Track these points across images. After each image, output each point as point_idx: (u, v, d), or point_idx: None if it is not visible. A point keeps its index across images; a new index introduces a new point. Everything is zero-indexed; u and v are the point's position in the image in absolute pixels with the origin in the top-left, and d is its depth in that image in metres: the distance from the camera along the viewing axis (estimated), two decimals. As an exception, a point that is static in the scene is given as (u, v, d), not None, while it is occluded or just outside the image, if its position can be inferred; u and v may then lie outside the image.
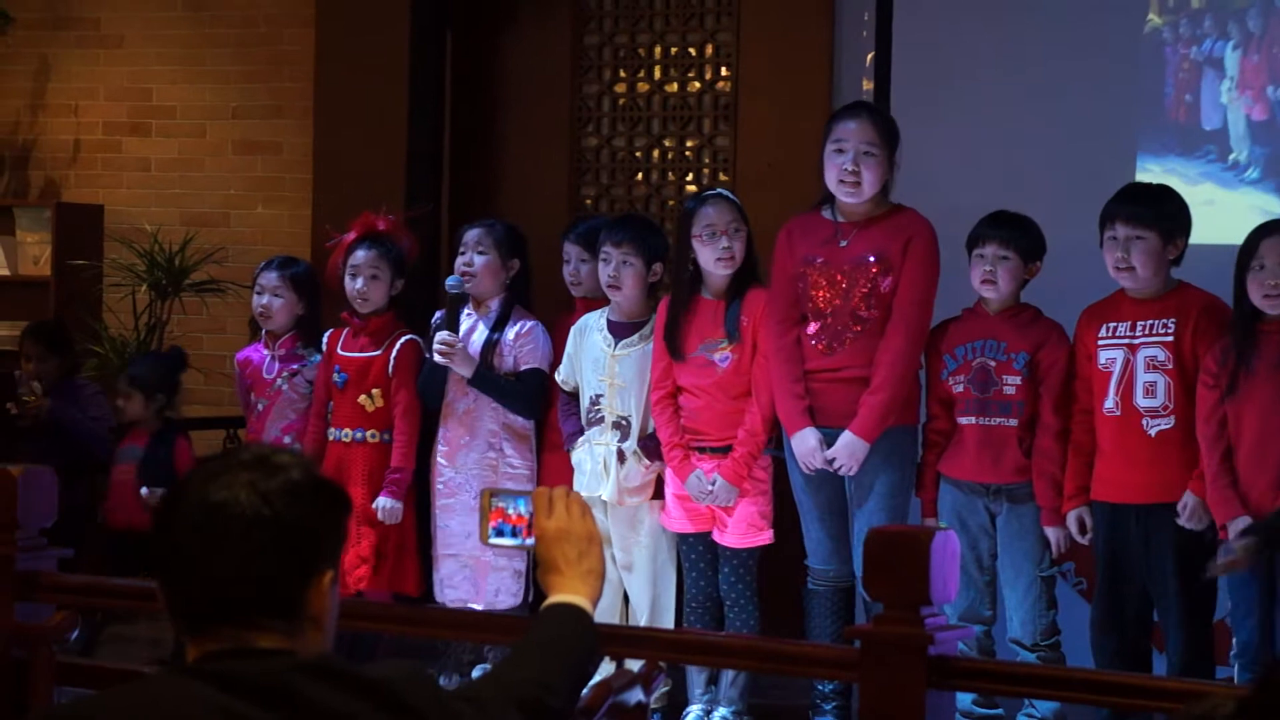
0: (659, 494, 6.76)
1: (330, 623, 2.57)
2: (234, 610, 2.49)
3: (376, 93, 8.83)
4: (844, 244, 6.46)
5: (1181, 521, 6.07)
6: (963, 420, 6.45)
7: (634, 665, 3.73)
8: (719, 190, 6.96)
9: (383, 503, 6.94)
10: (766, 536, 6.63)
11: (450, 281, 6.99)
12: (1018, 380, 6.38)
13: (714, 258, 6.57)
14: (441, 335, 6.85)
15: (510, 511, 3.20)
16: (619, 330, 6.82)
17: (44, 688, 4.46)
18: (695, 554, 6.73)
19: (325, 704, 2.43)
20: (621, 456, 6.72)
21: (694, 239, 6.59)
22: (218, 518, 2.48)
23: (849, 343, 6.42)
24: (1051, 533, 6.35)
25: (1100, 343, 6.26)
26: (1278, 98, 7.55)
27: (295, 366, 7.26)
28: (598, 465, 6.74)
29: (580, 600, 3.00)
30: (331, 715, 2.43)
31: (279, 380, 7.26)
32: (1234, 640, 6.16)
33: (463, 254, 7.05)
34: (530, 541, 3.13)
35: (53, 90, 9.94)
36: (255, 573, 2.48)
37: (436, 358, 6.87)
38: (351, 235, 7.09)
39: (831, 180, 6.43)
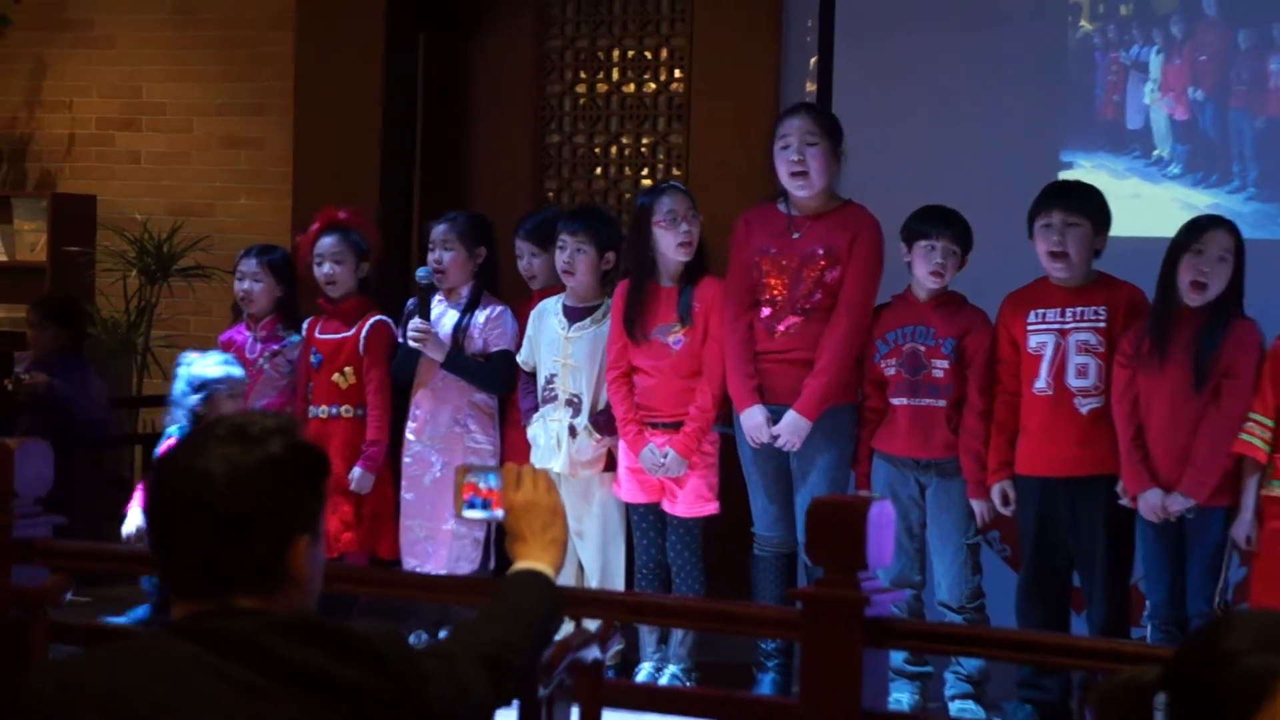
0: (610, 467, 6.76)
1: (311, 582, 2.56)
2: (215, 575, 2.48)
3: (352, 92, 8.82)
4: (796, 236, 6.47)
5: (1123, 502, 6.10)
6: (895, 401, 6.46)
7: (591, 625, 3.73)
8: (674, 183, 6.99)
9: (355, 473, 6.98)
10: (713, 507, 6.64)
11: (420, 273, 7.01)
12: (945, 364, 6.39)
13: (675, 243, 6.57)
14: (415, 323, 6.86)
15: (481, 486, 3.20)
16: (573, 314, 6.82)
17: (41, 646, 4.44)
18: (645, 523, 6.74)
19: (299, 659, 2.43)
20: (573, 431, 6.72)
21: (655, 225, 6.58)
22: (197, 490, 2.48)
23: (796, 328, 6.43)
24: (976, 504, 6.37)
25: (1030, 328, 6.27)
26: (1197, 99, 7.58)
27: (275, 347, 7.28)
28: (551, 440, 6.75)
29: (544, 567, 3.01)
30: (305, 669, 2.42)
31: (260, 360, 7.28)
32: (1147, 603, 6.18)
33: (431, 250, 7.06)
34: (499, 514, 3.12)
35: (48, 88, 9.89)
36: (233, 542, 2.48)
37: (411, 343, 6.87)
38: (315, 227, 7.12)
39: (783, 175, 6.45)
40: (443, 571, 6.83)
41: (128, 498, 8.93)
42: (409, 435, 7.02)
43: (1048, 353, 6.23)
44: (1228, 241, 5.98)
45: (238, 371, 6.84)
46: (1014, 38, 7.79)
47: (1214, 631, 2.58)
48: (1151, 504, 6.00)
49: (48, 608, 4.50)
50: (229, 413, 6.33)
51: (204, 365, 6.70)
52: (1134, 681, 2.61)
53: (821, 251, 6.42)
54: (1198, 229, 6.03)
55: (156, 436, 8.76)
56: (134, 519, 6.52)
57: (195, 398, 6.62)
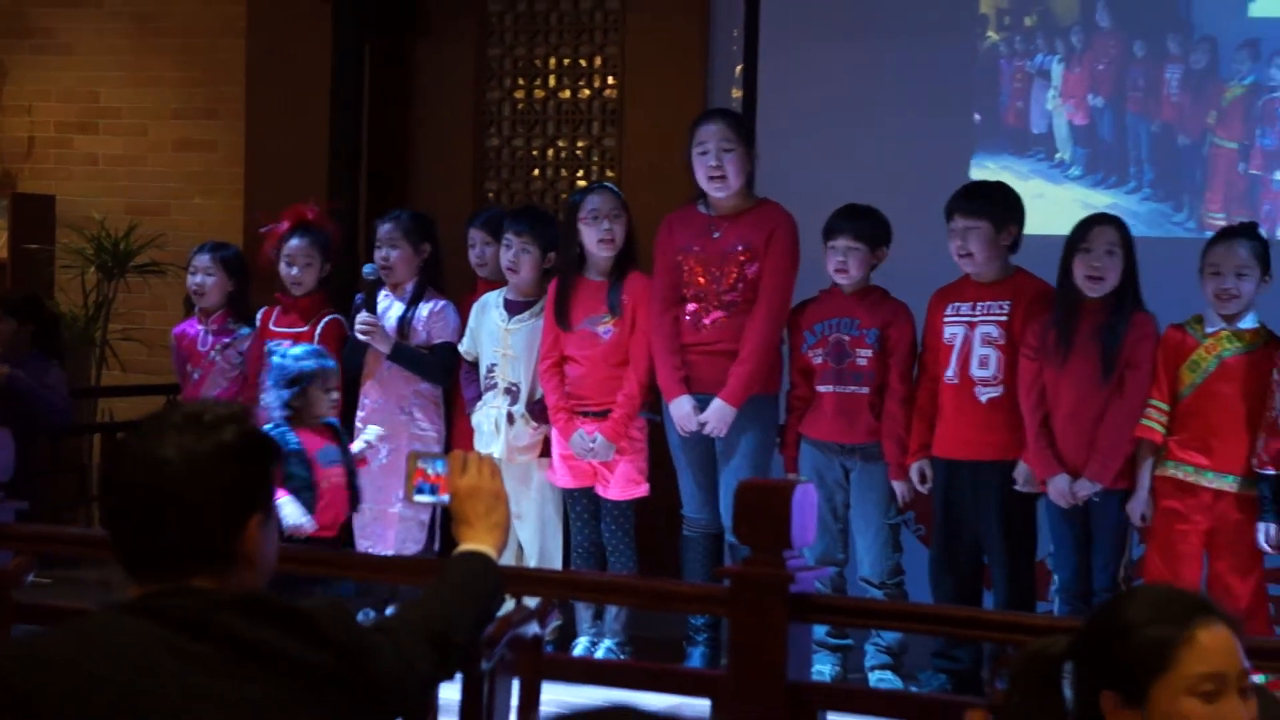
0: (546, 453, 6.75)
1: (263, 561, 2.55)
2: (168, 557, 2.48)
3: (301, 97, 8.79)
4: (716, 235, 6.48)
5: (1019, 487, 6.14)
6: (821, 388, 6.47)
7: (531, 603, 3.72)
8: (604, 183, 7.00)
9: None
10: (643, 490, 6.65)
11: (367, 269, 7.01)
12: (869, 353, 6.41)
13: (596, 239, 6.59)
14: (362, 316, 6.85)
15: (430, 471, 3.19)
16: (513, 308, 6.81)
17: (3, 625, 4.40)
18: (580, 506, 6.74)
19: (249, 634, 2.42)
20: (511, 418, 6.72)
21: (580, 222, 6.61)
22: (151, 476, 2.47)
23: (720, 321, 6.44)
24: (897, 486, 6.40)
25: (946, 320, 6.31)
26: (1096, 105, 7.62)
27: (226, 340, 7.26)
28: (490, 426, 6.75)
29: (487, 549, 3.01)
30: (255, 645, 2.42)
31: (212, 352, 7.25)
32: (1054, 578, 6.22)
33: (378, 248, 7.04)
34: (446, 498, 3.12)
35: (9, 92, 9.81)
36: (186, 526, 2.48)
37: (359, 336, 6.85)
38: (285, 225, 7.07)
39: (701, 178, 6.46)
40: (390, 552, 6.81)
41: (88, 484, 8.91)
42: (358, 423, 7.00)
43: (957, 344, 6.27)
44: (1114, 236, 6.03)
45: (330, 362, 6.27)
46: (926, 47, 7.82)
47: (1116, 604, 2.60)
48: (1060, 489, 6.04)
49: (11, 589, 4.47)
50: (319, 408, 5.91)
51: (295, 357, 6.13)
52: (1043, 652, 2.63)
53: (741, 248, 6.44)
54: (1084, 227, 6.09)
55: (115, 425, 8.74)
56: (291, 513, 5.80)
57: (288, 391, 6.04)
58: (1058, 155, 7.69)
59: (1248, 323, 5.92)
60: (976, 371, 6.24)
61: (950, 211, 6.30)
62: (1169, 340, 5.99)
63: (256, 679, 2.40)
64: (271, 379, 6.12)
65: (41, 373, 8.24)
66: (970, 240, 6.23)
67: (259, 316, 7.15)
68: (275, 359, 6.18)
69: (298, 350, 6.20)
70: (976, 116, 7.80)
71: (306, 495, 5.86)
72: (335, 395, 6.19)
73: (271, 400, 6.09)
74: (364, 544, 6.93)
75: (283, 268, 7.07)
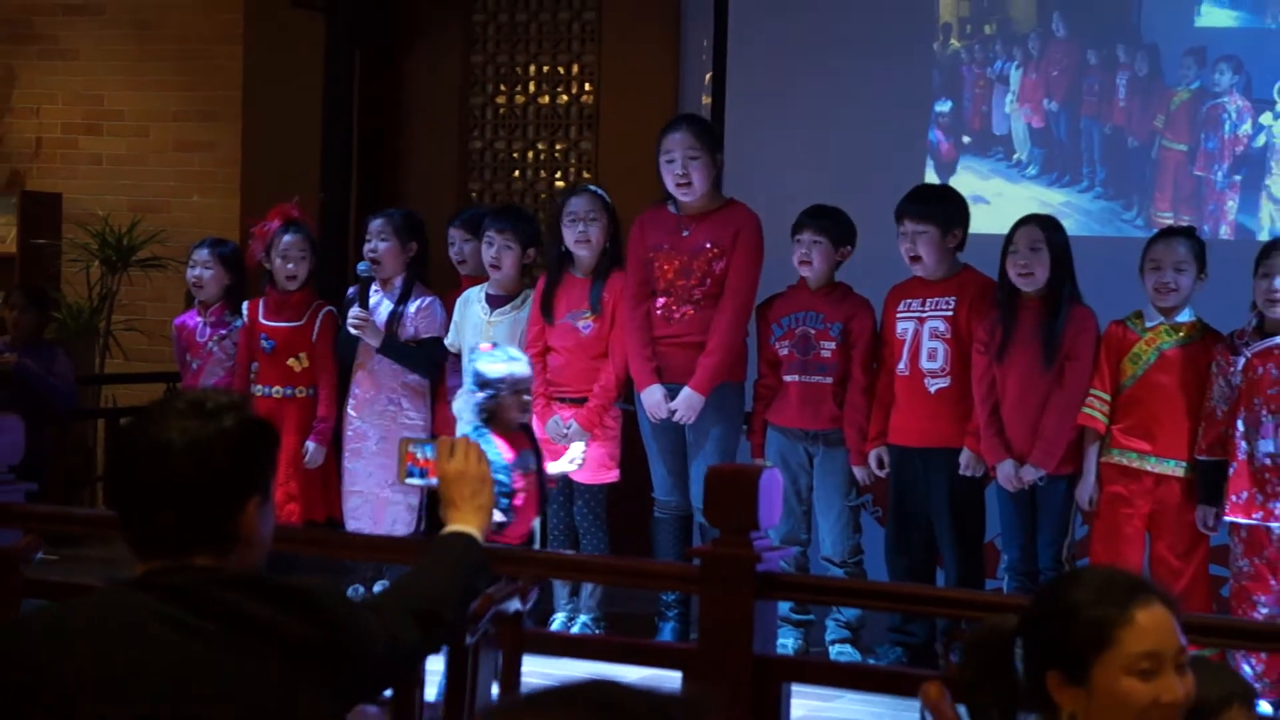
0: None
1: (261, 540, 2.55)
2: (171, 536, 2.48)
3: (295, 101, 8.77)
4: (686, 234, 6.49)
5: (962, 472, 6.16)
6: (787, 378, 6.49)
7: (512, 580, 3.72)
8: (589, 185, 6.99)
9: (309, 447, 6.98)
10: (614, 475, 6.65)
11: (360, 267, 7.00)
12: (832, 345, 6.43)
13: (573, 239, 6.60)
14: (354, 311, 6.83)
15: (419, 456, 3.20)
16: (495, 301, 6.81)
17: (14, 600, 4.40)
18: (556, 489, 6.72)
19: (247, 610, 2.42)
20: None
21: (561, 223, 6.62)
22: (156, 460, 2.46)
23: (689, 314, 6.45)
24: (858, 470, 6.42)
25: (898, 315, 6.34)
26: (1051, 109, 7.64)
27: (224, 331, 7.23)
28: (472, 413, 6.73)
29: (472, 530, 3.01)
30: (253, 619, 2.42)
31: (210, 343, 7.23)
32: (1003, 558, 6.24)
33: (368, 242, 7.02)
34: (434, 481, 3.12)
35: (17, 95, 9.77)
36: (190, 507, 2.47)
37: (351, 330, 6.84)
38: (275, 223, 7.06)
39: (669, 184, 6.47)
40: (380, 533, 6.80)
41: (93, 466, 8.89)
42: (350, 411, 7.00)
43: (908, 338, 6.30)
44: (1036, 234, 6.04)
45: (521, 369, 5.81)
46: (891, 53, 7.82)
47: (1060, 585, 2.61)
48: (1007, 473, 6.07)
49: (20, 565, 4.46)
50: (513, 413, 5.60)
51: (489, 363, 5.72)
52: (995, 630, 2.63)
53: (709, 246, 6.45)
54: (1013, 229, 6.11)
55: (118, 411, 8.72)
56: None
57: (481, 395, 5.67)
58: (1016, 156, 7.70)
59: (1185, 317, 5.94)
60: (926, 364, 6.26)
61: (900, 215, 6.32)
62: (1111, 334, 6.02)
63: (255, 653, 2.40)
64: (469, 383, 5.80)
65: (50, 360, 8.23)
66: (919, 244, 6.25)
67: (245, 309, 7.13)
68: (472, 362, 5.84)
69: (494, 356, 5.82)
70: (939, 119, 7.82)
71: (506, 503, 5.51)
72: (529, 399, 5.81)
73: (466, 404, 5.79)
74: (354, 525, 6.93)
75: (277, 263, 7.05)
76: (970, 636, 2.73)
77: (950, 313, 6.23)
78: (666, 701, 1.37)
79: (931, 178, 7.51)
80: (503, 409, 5.64)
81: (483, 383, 5.66)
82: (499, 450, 5.49)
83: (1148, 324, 5.96)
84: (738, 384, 6.55)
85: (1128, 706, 2.46)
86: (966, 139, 7.77)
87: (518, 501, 5.57)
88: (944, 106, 7.82)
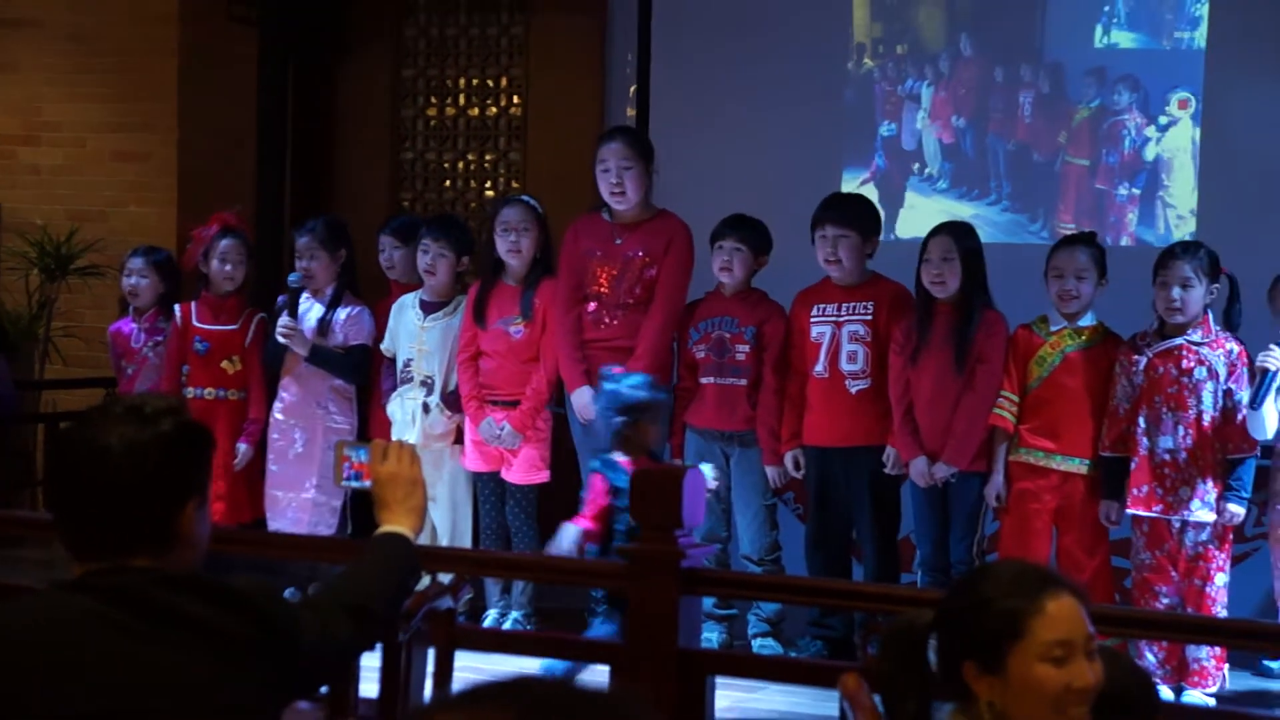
0: (459, 440, 6.72)
1: (199, 541, 2.53)
2: (111, 538, 2.44)
3: (230, 113, 8.72)
4: (619, 242, 6.47)
5: (888, 470, 6.17)
6: (704, 380, 6.48)
7: (444, 578, 3.69)
8: (522, 196, 6.94)
9: (240, 448, 6.91)
10: (544, 475, 6.63)
11: (292, 278, 6.93)
12: (746, 348, 6.42)
13: (505, 249, 6.58)
14: (283, 321, 6.76)
15: (354, 459, 3.17)
16: (428, 308, 6.78)
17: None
18: (488, 489, 6.71)
19: (186, 610, 2.39)
20: (426, 408, 6.68)
21: (494, 233, 6.59)
22: (95, 463, 2.43)
23: (619, 319, 6.43)
24: (770, 470, 6.41)
25: (812, 320, 6.33)
26: (960, 125, 7.68)
27: (159, 337, 7.19)
28: (407, 416, 6.71)
29: (405, 530, 2.99)
30: (190, 619, 2.39)
31: (145, 349, 7.19)
32: (917, 553, 6.26)
33: (299, 259, 6.96)
34: (368, 484, 3.09)
35: (-44, 108, 9.63)
36: (128, 510, 2.44)
37: (280, 339, 6.77)
38: (214, 229, 6.99)
39: (604, 192, 6.46)
40: (303, 533, 6.75)
41: (32, 470, 8.77)
42: (277, 415, 6.93)
43: (825, 342, 6.29)
44: (947, 243, 6.07)
45: (663, 394, 5.68)
46: (806, 71, 7.86)
47: (973, 579, 2.61)
48: (920, 470, 6.08)
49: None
50: (649, 438, 5.37)
51: (631, 386, 5.48)
52: (910, 624, 2.63)
53: (641, 254, 6.43)
54: (927, 239, 6.15)
55: (57, 415, 8.61)
56: (567, 536, 5.27)
57: (620, 420, 5.42)
58: (927, 170, 7.74)
59: (1087, 321, 5.98)
60: (846, 366, 6.27)
61: (820, 221, 6.31)
62: (1018, 338, 6.05)
63: (192, 650, 2.37)
64: (603, 405, 5.54)
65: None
66: (840, 248, 6.25)
67: (177, 311, 7.04)
68: (609, 385, 5.57)
69: (634, 380, 5.61)
70: (851, 135, 7.84)
71: (626, 523, 5.13)
72: (661, 428, 5.59)
73: (602, 428, 5.55)
74: (275, 525, 6.87)
75: (215, 265, 6.98)
76: (886, 630, 2.73)
77: (869, 317, 6.24)
78: (595, 695, 1.36)
79: (842, 189, 7.53)
80: (640, 435, 5.44)
81: (625, 408, 5.43)
82: (628, 475, 5.17)
83: (1052, 328, 6.00)
84: (666, 386, 6.53)
85: (1042, 693, 2.48)
86: (879, 153, 7.80)
87: None
88: (858, 122, 7.84)
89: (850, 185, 7.57)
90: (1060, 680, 2.49)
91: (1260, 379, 5.60)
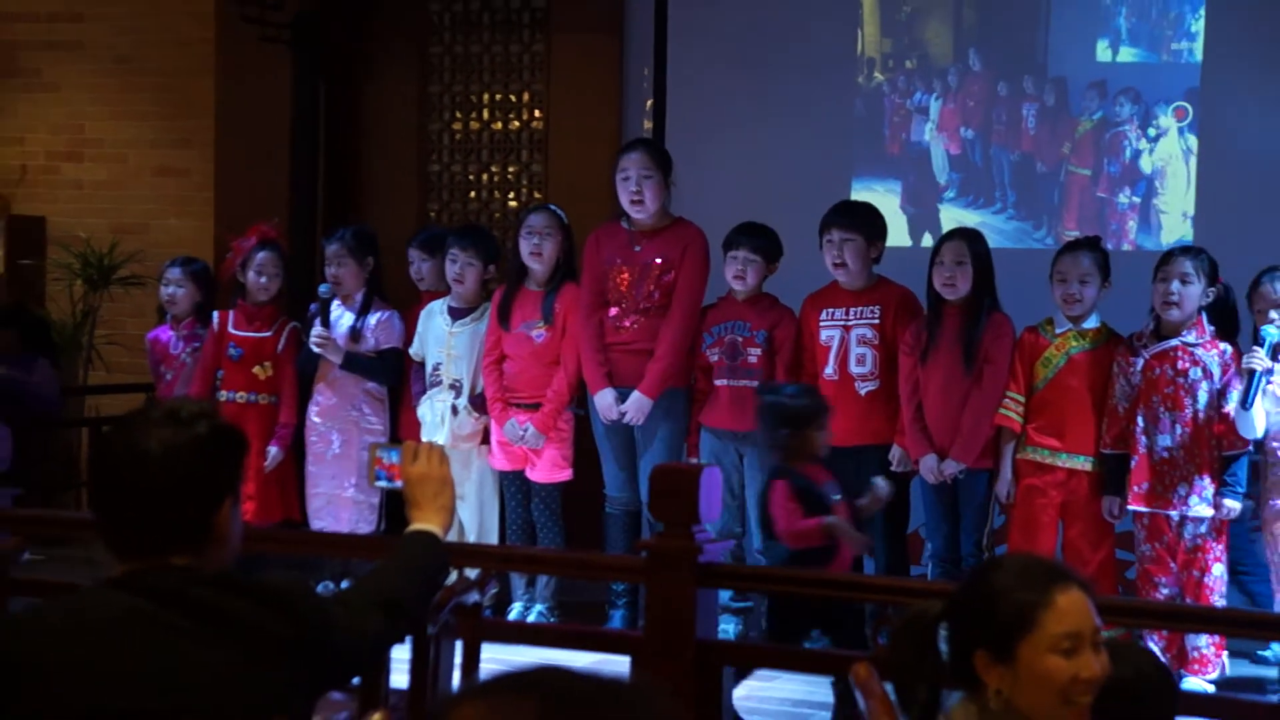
0: (486, 440, 6.72)
1: (233, 539, 2.53)
2: (150, 537, 2.45)
3: (265, 129, 8.74)
4: (638, 249, 6.48)
5: (894, 468, 6.16)
6: (718, 382, 6.47)
7: (471, 574, 3.70)
8: (547, 204, 6.96)
9: (271, 450, 6.90)
10: (567, 474, 6.63)
11: (322, 289, 6.95)
12: (758, 351, 6.42)
13: (528, 252, 6.58)
14: (317, 331, 6.77)
15: (386, 460, 3.18)
16: (456, 314, 6.78)
17: (1, 598, 4.33)
18: (514, 488, 6.71)
19: (224, 606, 2.40)
20: (455, 410, 6.68)
21: (519, 238, 6.63)
22: (136, 467, 2.44)
23: (639, 323, 6.44)
24: (784, 469, 6.40)
25: (821, 324, 6.32)
26: (967, 136, 7.67)
27: (196, 344, 7.18)
28: (436, 418, 6.71)
29: (434, 528, 3.00)
30: (229, 616, 2.40)
31: (183, 355, 7.19)
32: (927, 546, 6.25)
33: (328, 266, 6.98)
34: (400, 484, 3.10)
35: (3, 126, 9.65)
36: (166, 510, 2.44)
37: (314, 348, 6.79)
38: (253, 240, 7.00)
39: (624, 202, 6.46)
40: (345, 532, 6.76)
41: (77, 472, 8.80)
42: (314, 418, 6.94)
43: (834, 345, 6.28)
44: (961, 248, 6.06)
45: (824, 402, 5.49)
46: (817, 85, 7.85)
47: (984, 573, 2.61)
48: (929, 466, 6.07)
49: (7, 566, 4.40)
50: (816, 445, 5.18)
51: (791, 395, 5.33)
52: (921, 615, 2.63)
53: (659, 260, 6.44)
54: (939, 243, 6.13)
55: (101, 420, 8.64)
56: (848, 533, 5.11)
57: (785, 430, 5.24)
58: (936, 180, 7.74)
59: (1091, 323, 5.98)
60: (855, 369, 6.26)
61: (827, 226, 6.31)
62: (1024, 340, 6.04)
63: (231, 647, 2.38)
64: (767, 419, 5.39)
65: (29, 369, 8.15)
66: (846, 251, 6.25)
67: (215, 318, 7.06)
68: (769, 398, 5.47)
69: (792, 390, 5.54)
70: (861, 146, 7.84)
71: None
72: (826, 434, 5.39)
73: (767, 439, 5.40)
74: (318, 525, 6.88)
75: (251, 277, 6.98)
76: (898, 621, 2.72)
77: (876, 320, 6.24)
78: (614, 685, 1.37)
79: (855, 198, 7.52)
80: (805, 443, 5.29)
81: (789, 418, 5.27)
82: (808, 481, 5.12)
83: (1057, 330, 5.99)
84: (683, 388, 6.54)
85: (1051, 682, 2.48)
86: (887, 164, 7.79)
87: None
88: (867, 133, 7.84)
89: (860, 194, 7.55)
90: (1069, 671, 2.49)
91: (1248, 380, 5.59)
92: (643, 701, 1.36)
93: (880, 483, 5.42)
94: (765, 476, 5.35)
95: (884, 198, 7.55)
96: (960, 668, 2.54)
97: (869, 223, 6.31)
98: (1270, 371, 5.61)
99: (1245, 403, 5.58)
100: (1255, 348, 5.63)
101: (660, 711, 1.36)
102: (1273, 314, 5.69)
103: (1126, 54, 7.44)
